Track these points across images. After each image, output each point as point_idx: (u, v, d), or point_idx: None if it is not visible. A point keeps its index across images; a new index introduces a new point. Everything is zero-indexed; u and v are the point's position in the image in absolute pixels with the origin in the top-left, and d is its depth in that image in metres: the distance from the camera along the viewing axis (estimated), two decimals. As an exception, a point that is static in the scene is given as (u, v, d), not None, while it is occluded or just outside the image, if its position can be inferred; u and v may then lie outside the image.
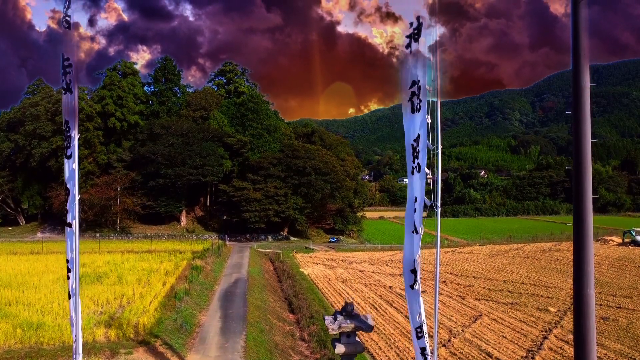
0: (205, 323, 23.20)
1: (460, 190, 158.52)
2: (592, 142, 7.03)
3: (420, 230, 9.06)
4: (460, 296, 32.73)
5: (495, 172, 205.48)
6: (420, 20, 9.06)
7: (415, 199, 9.14)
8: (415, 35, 9.25)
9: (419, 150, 9.12)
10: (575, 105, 7.01)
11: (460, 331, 24.44)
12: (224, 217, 72.48)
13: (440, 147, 8.95)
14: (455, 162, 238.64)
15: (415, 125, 9.19)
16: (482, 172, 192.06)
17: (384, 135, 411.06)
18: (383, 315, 28.86)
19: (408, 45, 9.36)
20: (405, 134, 9.59)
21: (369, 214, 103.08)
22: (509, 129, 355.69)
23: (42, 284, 30.00)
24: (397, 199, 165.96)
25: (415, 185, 9.23)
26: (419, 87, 9.03)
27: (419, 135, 9.15)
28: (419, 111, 9.09)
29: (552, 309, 28.66)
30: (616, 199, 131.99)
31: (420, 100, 9.00)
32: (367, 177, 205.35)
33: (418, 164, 9.10)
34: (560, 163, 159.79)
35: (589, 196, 6.65)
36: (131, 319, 21.37)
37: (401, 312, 29.06)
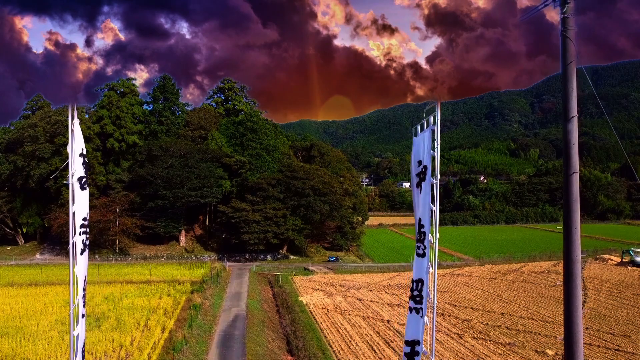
0: (203, 380, 23.24)
1: (459, 196, 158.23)
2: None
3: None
4: (458, 334, 32.77)
5: (494, 176, 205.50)
6: (424, 163, 9.00)
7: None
8: (422, 174, 9.23)
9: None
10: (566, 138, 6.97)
11: (458, 382, 24.52)
12: (223, 236, 72.47)
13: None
14: (455, 166, 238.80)
15: (422, 269, 9.00)
16: (482, 177, 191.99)
17: (383, 137, 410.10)
18: (381, 358, 28.98)
19: (418, 185, 9.29)
20: (414, 273, 9.37)
21: (368, 221, 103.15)
22: (508, 130, 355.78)
23: (40, 330, 30.09)
24: (396, 204, 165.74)
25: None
26: (423, 233, 8.95)
27: (421, 280, 9.00)
28: (423, 257, 8.96)
29: (549, 352, 28.71)
30: (615, 206, 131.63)
31: (425, 247, 8.91)
32: (366, 180, 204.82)
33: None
34: (560, 168, 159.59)
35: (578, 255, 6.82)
36: (129, 381, 21.43)
37: (398, 355, 29.12)
